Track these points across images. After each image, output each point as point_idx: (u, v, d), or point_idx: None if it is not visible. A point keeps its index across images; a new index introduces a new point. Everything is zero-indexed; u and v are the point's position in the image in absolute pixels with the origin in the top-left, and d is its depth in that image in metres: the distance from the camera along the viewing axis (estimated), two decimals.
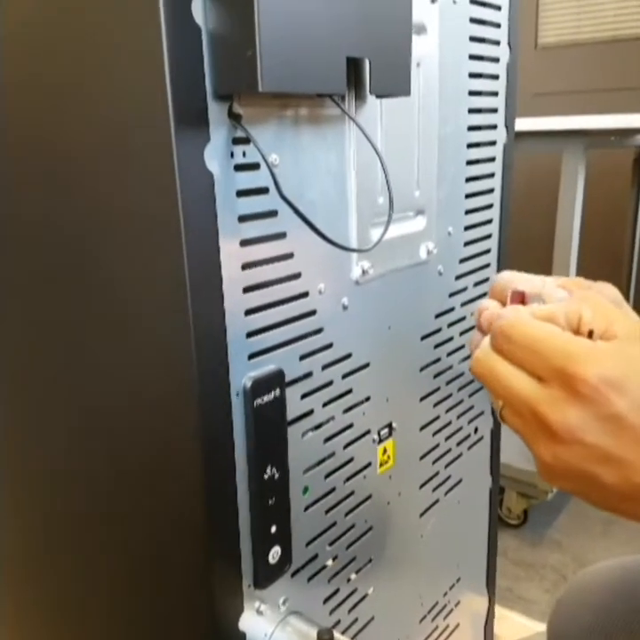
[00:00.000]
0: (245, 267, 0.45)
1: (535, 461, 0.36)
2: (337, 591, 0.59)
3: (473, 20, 0.63)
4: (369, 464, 0.60)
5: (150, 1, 0.37)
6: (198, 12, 0.39)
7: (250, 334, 0.47)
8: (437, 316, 0.66)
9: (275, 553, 0.51)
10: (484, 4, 0.64)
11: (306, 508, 0.54)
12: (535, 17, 2.56)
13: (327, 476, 0.56)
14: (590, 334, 0.35)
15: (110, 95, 0.43)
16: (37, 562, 0.67)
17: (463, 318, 0.70)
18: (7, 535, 0.71)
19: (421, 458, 0.68)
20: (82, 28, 0.43)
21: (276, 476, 0.50)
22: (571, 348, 0.33)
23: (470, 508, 0.81)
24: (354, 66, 0.46)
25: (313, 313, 0.51)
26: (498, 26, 0.66)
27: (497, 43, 0.67)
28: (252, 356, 0.47)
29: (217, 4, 0.39)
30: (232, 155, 0.43)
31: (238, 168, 0.44)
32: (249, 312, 0.46)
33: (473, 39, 0.63)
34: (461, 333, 0.71)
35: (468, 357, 0.73)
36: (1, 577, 0.74)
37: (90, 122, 0.45)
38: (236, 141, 0.43)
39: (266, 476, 0.49)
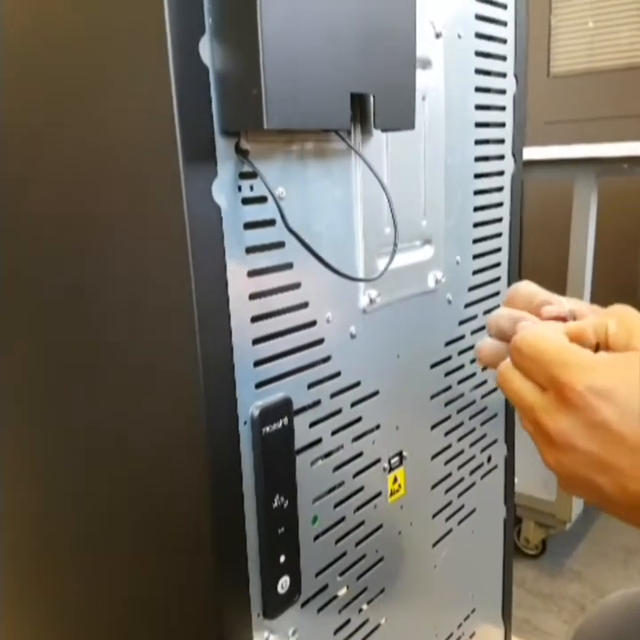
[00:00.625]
0: (253, 297, 0.46)
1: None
2: (348, 622, 0.59)
3: (478, 54, 0.64)
4: (379, 493, 0.60)
5: (159, 42, 0.38)
6: (205, 52, 0.40)
7: (257, 363, 0.47)
8: (447, 343, 0.67)
9: (284, 583, 0.51)
10: (489, 38, 0.65)
11: (315, 538, 0.54)
12: (547, 46, 2.59)
13: (337, 505, 0.56)
14: (597, 347, 0.37)
15: (121, 132, 0.44)
16: (43, 599, 0.67)
17: (473, 346, 0.70)
18: (11, 565, 0.71)
19: (433, 487, 0.68)
20: (93, 67, 0.45)
21: (285, 504, 0.50)
22: (568, 357, 0.35)
23: (484, 538, 0.80)
24: (358, 101, 0.47)
25: (321, 342, 0.52)
26: (504, 58, 0.68)
27: (503, 75, 0.68)
28: (259, 385, 0.48)
29: (223, 44, 0.40)
30: (239, 188, 0.44)
31: (245, 201, 0.45)
32: (257, 341, 0.47)
33: (478, 72, 0.64)
34: (472, 361, 0.71)
35: (479, 385, 0.73)
36: (6, 605, 0.74)
37: (101, 158, 0.46)
38: (243, 176, 0.44)
39: (274, 505, 0.49)
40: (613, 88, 2.38)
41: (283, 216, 0.45)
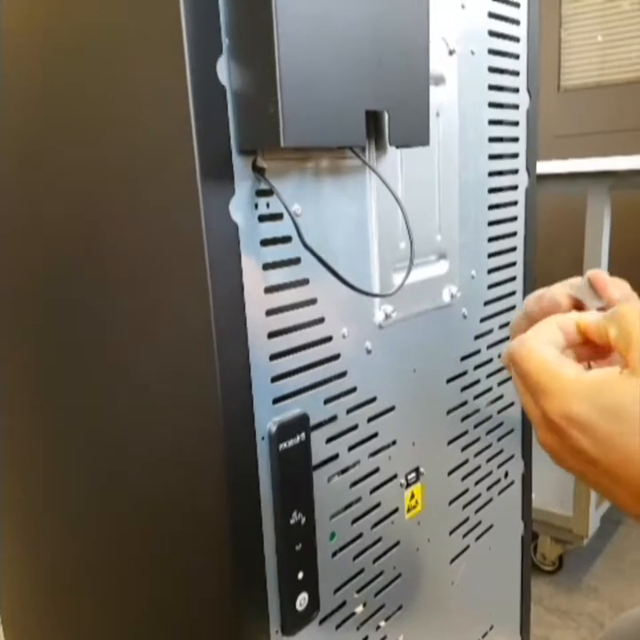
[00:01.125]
0: (270, 313, 0.47)
1: None
2: (366, 639, 0.58)
3: (491, 70, 0.64)
4: (396, 509, 0.60)
5: (177, 62, 0.39)
6: (223, 72, 0.41)
7: (274, 379, 0.47)
8: (463, 358, 0.66)
9: (302, 599, 0.51)
10: (502, 54, 0.65)
11: (333, 554, 0.54)
12: (558, 60, 2.60)
13: (354, 521, 0.55)
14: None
15: (139, 152, 0.45)
16: (61, 612, 0.67)
17: (490, 360, 0.70)
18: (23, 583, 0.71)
19: (450, 503, 0.67)
20: (112, 88, 0.45)
21: (303, 521, 0.50)
22: (546, 384, 0.36)
23: (502, 555, 0.79)
24: (373, 117, 0.47)
25: (337, 357, 0.52)
26: (517, 74, 0.68)
27: (516, 90, 0.68)
28: (276, 401, 0.48)
29: (240, 64, 0.41)
30: (256, 206, 0.44)
31: (262, 218, 0.45)
32: (273, 357, 0.47)
33: (492, 87, 0.65)
34: (488, 376, 0.71)
35: (495, 400, 0.73)
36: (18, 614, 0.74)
37: (119, 177, 0.47)
38: (260, 193, 0.44)
39: (292, 522, 0.49)
40: (624, 101, 2.38)
41: (299, 233, 0.45)
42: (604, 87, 2.49)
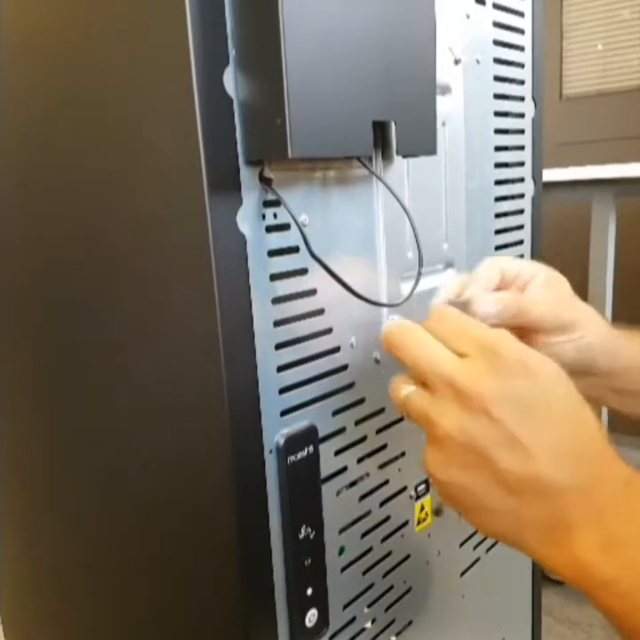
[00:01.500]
0: (277, 323, 0.46)
1: (427, 449, 0.39)
2: None
3: (497, 79, 0.64)
4: (406, 522, 0.59)
5: (184, 74, 0.39)
6: (230, 82, 0.41)
7: (282, 390, 0.47)
8: None
9: (311, 616, 0.50)
10: (507, 63, 0.65)
11: (343, 569, 0.53)
12: (559, 68, 2.60)
13: (363, 535, 0.55)
14: None
15: (145, 164, 0.44)
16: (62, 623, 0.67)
17: None
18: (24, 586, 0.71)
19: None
20: (117, 99, 0.45)
21: (312, 535, 0.49)
22: (500, 332, 0.38)
23: (513, 566, 0.78)
24: (380, 128, 0.47)
25: (345, 368, 0.52)
26: (522, 82, 0.68)
27: (521, 98, 0.68)
28: (284, 413, 0.47)
29: (247, 75, 0.40)
30: (263, 217, 0.44)
31: (269, 229, 0.45)
32: (281, 368, 0.47)
33: (497, 96, 0.64)
34: None
35: None
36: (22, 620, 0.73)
37: (125, 188, 0.46)
38: (267, 204, 0.44)
39: (301, 536, 0.48)
40: (626, 109, 2.38)
41: (306, 243, 0.45)
42: (606, 95, 2.49)
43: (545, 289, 0.49)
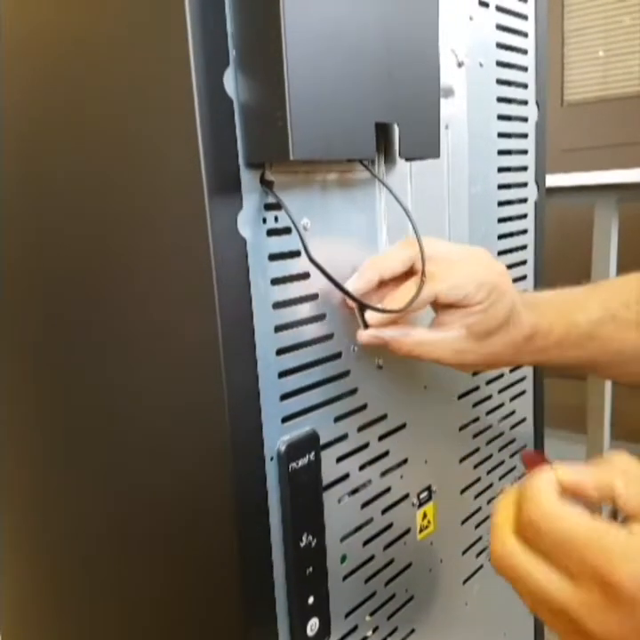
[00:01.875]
0: (278, 329, 0.45)
1: None
2: None
3: (500, 82, 0.64)
4: (408, 530, 0.58)
5: (184, 75, 0.38)
6: (230, 84, 0.40)
7: (283, 397, 0.46)
8: (475, 373, 0.65)
9: (313, 625, 0.49)
10: (510, 66, 0.65)
11: (344, 578, 0.52)
12: (561, 75, 2.60)
13: (365, 543, 0.54)
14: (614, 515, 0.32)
15: (144, 167, 0.44)
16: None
17: (501, 375, 0.69)
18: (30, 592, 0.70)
19: (463, 522, 0.66)
20: (116, 101, 0.45)
21: (313, 543, 0.48)
22: (607, 544, 0.29)
23: None
24: (382, 130, 0.46)
25: (347, 373, 0.51)
26: (525, 86, 0.67)
27: (525, 102, 0.68)
28: (285, 419, 0.47)
29: (248, 76, 0.40)
30: (264, 220, 0.43)
31: (270, 233, 0.44)
32: (282, 374, 0.46)
33: (500, 100, 0.64)
34: (500, 391, 0.69)
35: (507, 416, 0.71)
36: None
37: (124, 191, 0.46)
38: (268, 207, 0.44)
39: (302, 544, 0.47)
40: (627, 115, 2.38)
41: (305, 246, 0.44)
42: (607, 101, 2.50)
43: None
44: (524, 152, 0.69)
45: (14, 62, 0.54)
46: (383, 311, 0.47)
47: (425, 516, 0.61)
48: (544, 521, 0.31)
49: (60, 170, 0.52)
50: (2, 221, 0.60)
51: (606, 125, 2.43)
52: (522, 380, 0.73)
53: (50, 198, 0.54)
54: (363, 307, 0.47)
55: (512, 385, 0.71)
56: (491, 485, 0.70)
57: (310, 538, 0.48)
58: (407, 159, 0.49)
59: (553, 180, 1.25)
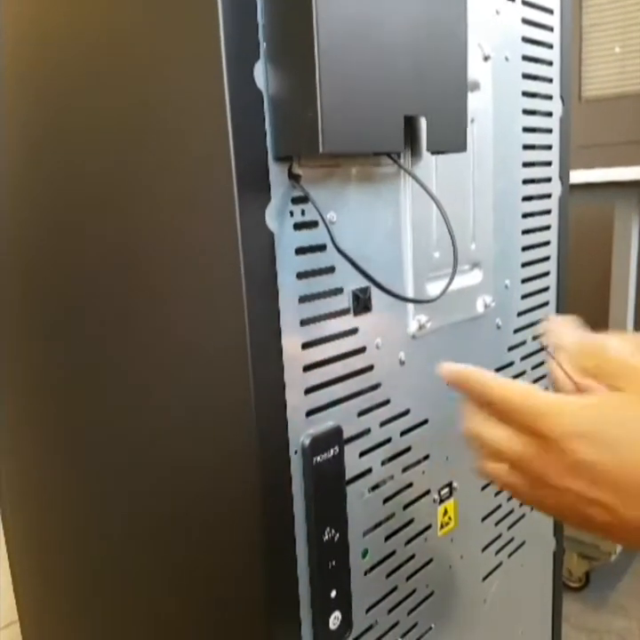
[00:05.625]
0: (303, 323, 0.45)
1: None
2: None
3: (525, 76, 0.63)
4: (429, 526, 0.58)
5: (215, 67, 0.38)
6: (260, 77, 0.40)
7: (308, 391, 0.46)
8: (497, 370, 0.65)
9: (335, 618, 0.49)
10: (536, 60, 0.64)
11: (366, 572, 0.52)
12: (578, 71, 2.58)
13: (387, 538, 0.54)
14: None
15: (176, 159, 0.44)
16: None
17: (523, 372, 0.69)
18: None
19: (483, 519, 0.66)
20: (149, 93, 0.45)
21: (336, 537, 0.48)
22: (539, 405, 0.36)
23: (534, 572, 0.77)
24: (410, 124, 0.46)
25: (370, 368, 0.51)
26: (550, 81, 0.67)
27: (549, 97, 0.67)
28: (309, 413, 0.47)
29: (278, 69, 0.40)
30: (291, 214, 0.43)
31: (297, 226, 0.44)
32: (307, 368, 0.46)
33: (526, 94, 0.63)
34: None
35: None
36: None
37: (155, 183, 0.46)
38: (295, 201, 0.43)
39: (325, 538, 0.47)
40: None
41: (333, 239, 0.44)
42: (625, 97, 2.47)
43: None
44: (548, 147, 0.68)
45: (43, 48, 0.54)
46: (407, 300, 0.47)
47: (446, 512, 0.60)
48: (494, 392, 0.38)
49: (87, 163, 0.52)
50: (29, 214, 0.60)
51: (623, 122, 2.41)
52: (543, 377, 0.73)
53: (76, 192, 0.54)
54: (400, 298, 0.46)
55: (534, 382, 0.71)
56: None
57: (333, 532, 0.48)
58: (434, 153, 0.49)
59: (573, 177, 1.24)
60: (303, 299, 0.45)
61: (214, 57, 0.38)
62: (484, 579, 0.67)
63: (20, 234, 0.62)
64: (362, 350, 0.50)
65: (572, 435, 0.34)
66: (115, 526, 0.60)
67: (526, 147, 0.64)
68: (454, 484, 0.61)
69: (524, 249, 0.66)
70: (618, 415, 0.35)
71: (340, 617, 0.49)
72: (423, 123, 0.45)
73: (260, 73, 0.40)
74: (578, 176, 1.25)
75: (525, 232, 0.66)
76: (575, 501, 0.35)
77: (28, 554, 0.77)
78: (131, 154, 0.47)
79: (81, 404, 0.59)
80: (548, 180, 0.69)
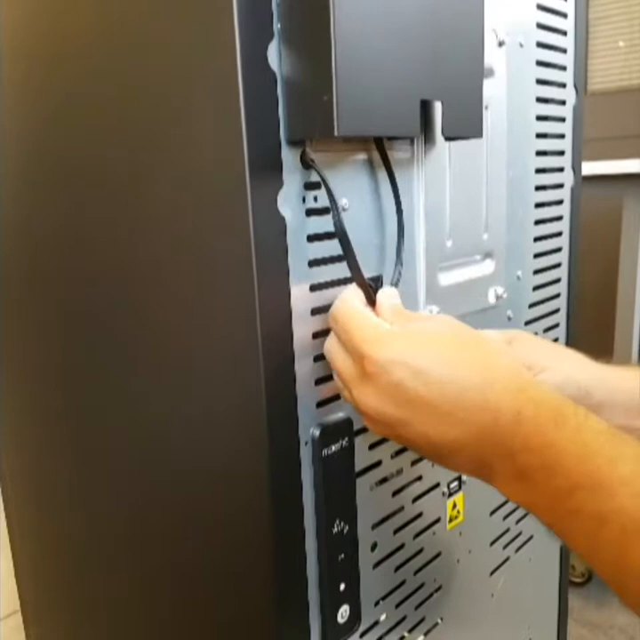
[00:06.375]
0: (315, 312, 0.44)
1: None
2: None
3: (539, 63, 0.62)
4: (438, 519, 0.58)
5: (228, 47, 0.37)
6: (273, 57, 0.39)
7: (318, 381, 0.45)
8: None
9: (344, 612, 0.48)
10: (550, 47, 0.63)
11: (374, 566, 0.51)
12: (584, 64, 2.56)
13: (396, 531, 0.53)
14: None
15: (187, 142, 0.43)
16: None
17: None
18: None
19: (491, 513, 0.65)
20: (159, 74, 0.44)
21: (345, 530, 0.48)
22: (368, 332, 0.39)
23: (541, 566, 0.76)
24: (425, 109, 0.45)
25: None
26: (564, 68, 0.65)
27: (563, 85, 0.66)
28: (320, 404, 0.46)
29: (292, 49, 0.39)
30: (304, 200, 0.42)
31: (309, 213, 0.43)
32: (317, 358, 0.45)
33: (540, 82, 0.62)
34: None
35: None
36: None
37: (165, 169, 0.45)
38: (308, 186, 0.42)
39: (335, 531, 0.47)
40: None
41: (339, 218, 0.41)
42: (631, 91, 2.46)
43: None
44: (562, 136, 0.67)
45: (55, 35, 0.53)
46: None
47: (454, 505, 0.60)
48: (338, 313, 0.42)
49: (92, 151, 0.51)
50: (34, 210, 0.59)
51: (628, 115, 2.39)
52: None
53: (79, 181, 0.53)
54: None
55: None
56: None
57: (342, 524, 0.47)
58: (449, 138, 0.48)
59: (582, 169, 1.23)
60: (314, 287, 0.44)
61: (228, 37, 0.37)
62: (492, 573, 0.67)
63: (21, 232, 0.61)
64: None
65: (392, 359, 0.38)
66: (118, 519, 0.59)
67: (539, 135, 0.63)
68: (463, 478, 0.60)
69: (537, 239, 0.65)
70: (425, 345, 0.39)
71: (348, 610, 0.49)
72: (439, 107, 0.44)
73: (274, 54, 0.39)
74: (586, 168, 1.23)
75: (538, 222, 0.65)
76: (392, 424, 0.38)
77: (31, 544, 0.76)
78: (137, 140, 0.46)
79: (85, 393, 0.59)
80: (561, 169, 0.68)
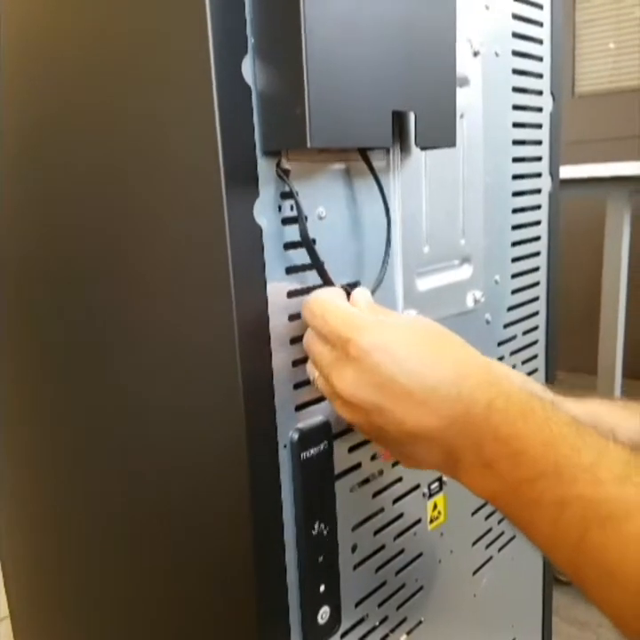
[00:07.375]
0: (292, 318, 0.45)
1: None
2: None
3: (515, 71, 0.63)
4: (419, 520, 0.59)
5: (202, 62, 0.38)
6: (248, 72, 0.40)
7: (297, 385, 0.46)
8: None
9: (324, 613, 0.49)
10: (525, 56, 0.64)
11: (355, 567, 0.52)
12: (572, 67, 2.59)
13: (376, 532, 0.54)
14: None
15: (164, 154, 0.44)
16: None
17: (513, 367, 0.69)
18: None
19: (473, 513, 0.66)
20: (135, 88, 0.45)
21: (325, 532, 0.48)
22: (354, 320, 0.41)
23: (524, 565, 0.77)
24: (398, 119, 0.46)
25: None
26: (540, 76, 0.67)
27: (540, 92, 0.67)
28: (299, 408, 0.47)
29: (266, 63, 0.40)
30: (280, 209, 0.43)
31: (285, 221, 0.44)
32: (296, 363, 0.46)
33: (516, 90, 0.64)
34: None
35: None
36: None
37: (144, 179, 0.46)
38: (284, 196, 0.43)
39: (314, 533, 0.48)
40: (637, 107, 2.37)
41: (303, 226, 0.43)
42: (618, 93, 2.48)
43: None
44: (539, 142, 0.68)
45: (29, 52, 0.53)
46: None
47: (435, 506, 0.61)
48: (316, 303, 0.43)
49: (78, 158, 0.52)
50: (17, 214, 0.60)
51: (616, 117, 2.41)
52: (535, 371, 0.73)
53: (62, 189, 0.54)
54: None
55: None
56: None
57: (322, 526, 0.48)
58: (423, 148, 0.49)
59: (565, 172, 1.24)
60: (292, 294, 0.45)
61: (202, 51, 0.38)
62: (474, 573, 0.68)
63: (14, 231, 0.62)
64: None
65: (378, 347, 0.39)
66: (105, 524, 0.60)
67: (516, 142, 0.65)
68: (444, 479, 0.61)
69: (514, 244, 0.66)
70: (406, 336, 0.40)
71: (328, 611, 0.50)
72: (412, 118, 0.46)
73: (248, 68, 0.40)
74: (570, 171, 1.25)
75: (515, 227, 0.66)
76: (367, 411, 0.40)
77: (20, 550, 0.77)
78: (118, 148, 0.47)
79: (71, 400, 0.59)
80: (539, 175, 0.69)
